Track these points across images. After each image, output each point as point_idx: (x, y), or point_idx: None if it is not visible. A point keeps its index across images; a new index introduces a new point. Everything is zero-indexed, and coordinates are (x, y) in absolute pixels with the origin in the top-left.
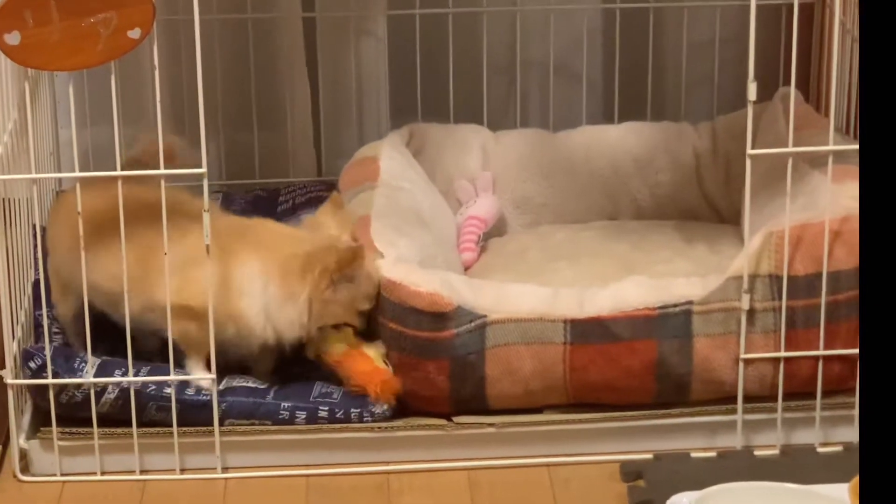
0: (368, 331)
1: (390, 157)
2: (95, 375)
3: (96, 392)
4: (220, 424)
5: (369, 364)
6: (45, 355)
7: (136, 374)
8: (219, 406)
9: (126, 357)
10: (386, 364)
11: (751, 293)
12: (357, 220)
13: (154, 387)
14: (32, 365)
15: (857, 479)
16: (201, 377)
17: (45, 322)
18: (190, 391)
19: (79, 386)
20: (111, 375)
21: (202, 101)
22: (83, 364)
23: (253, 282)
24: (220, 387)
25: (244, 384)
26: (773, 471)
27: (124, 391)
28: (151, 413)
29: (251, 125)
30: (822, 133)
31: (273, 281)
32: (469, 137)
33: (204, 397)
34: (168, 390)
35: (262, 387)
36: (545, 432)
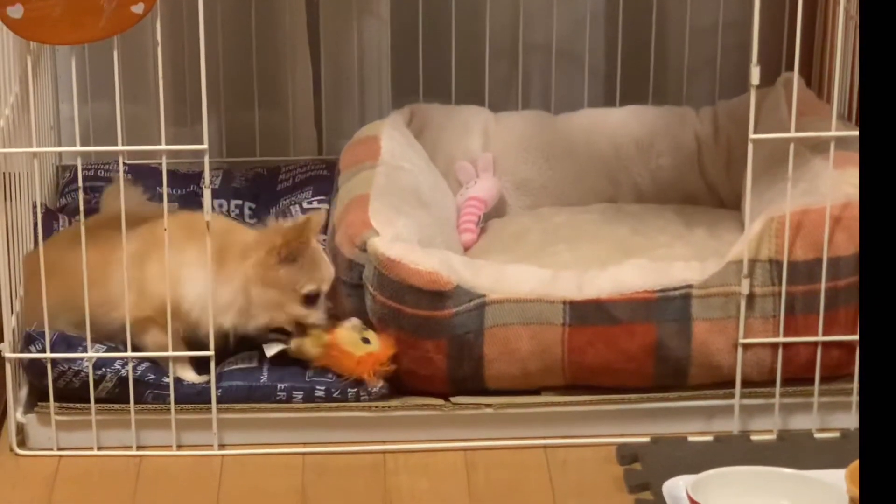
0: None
1: (391, 136)
2: (95, 363)
3: (94, 381)
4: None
5: (350, 359)
6: (45, 341)
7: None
8: (214, 392)
9: (124, 350)
10: (367, 341)
11: (750, 278)
12: (356, 198)
13: (152, 376)
14: (33, 349)
15: (854, 465)
16: (200, 354)
17: (45, 302)
18: (186, 383)
19: (77, 373)
20: (110, 365)
21: (204, 77)
22: (83, 350)
23: (188, 268)
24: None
25: (237, 366)
26: (770, 456)
27: (122, 380)
28: (148, 401)
29: (252, 103)
30: (823, 119)
31: (207, 265)
32: (470, 119)
33: (199, 386)
34: (165, 380)
35: (255, 366)
36: (542, 414)
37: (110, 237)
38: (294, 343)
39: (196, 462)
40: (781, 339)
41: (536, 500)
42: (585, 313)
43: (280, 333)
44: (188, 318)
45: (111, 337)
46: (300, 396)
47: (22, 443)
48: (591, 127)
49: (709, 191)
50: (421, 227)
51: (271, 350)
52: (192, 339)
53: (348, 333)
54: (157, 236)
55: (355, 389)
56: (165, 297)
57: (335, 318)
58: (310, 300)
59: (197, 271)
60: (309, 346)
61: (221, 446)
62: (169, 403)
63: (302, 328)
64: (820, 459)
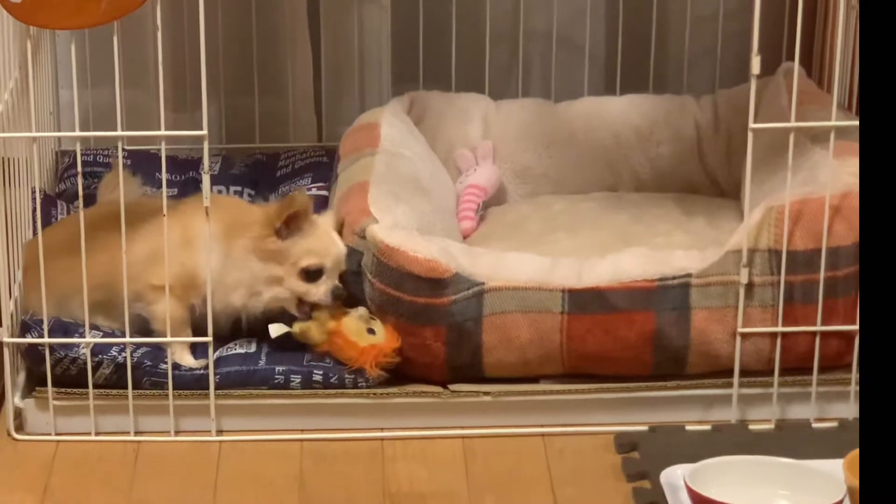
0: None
1: (391, 123)
2: (92, 349)
3: (91, 367)
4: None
5: (354, 348)
6: (43, 328)
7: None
8: (212, 378)
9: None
10: (372, 332)
11: (749, 267)
12: (355, 185)
13: (149, 362)
14: (30, 337)
15: (852, 454)
16: (198, 339)
17: (43, 287)
18: (184, 369)
19: (74, 360)
20: (107, 351)
21: (204, 63)
22: (80, 336)
23: (204, 239)
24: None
25: (235, 351)
26: (768, 445)
27: (119, 367)
28: (146, 388)
29: (252, 89)
30: (824, 108)
31: (218, 240)
32: (470, 106)
33: (197, 372)
34: (162, 367)
35: (253, 351)
36: (541, 402)
37: (135, 213)
38: (299, 326)
39: (194, 448)
40: (780, 329)
41: (534, 488)
42: (584, 301)
43: (288, 317)
44: (203, 292)
45: (124, 313)
46: (298, 381)
47: (20, 427)
48: (591, 115)
49: (708, 180)
50: (420, 215)
51: (275, 331)
52: (206, 316)
53: (354, 322)
54: (181, 212)
55: (353, 376)
56: (184, 266)
57: (345, 303)
58: (310, 276)
59: (216, 247)
60: (314, 330)
61: (219, 432)
62: (166, 389)
63: (307, 311)
64: (818, 449)
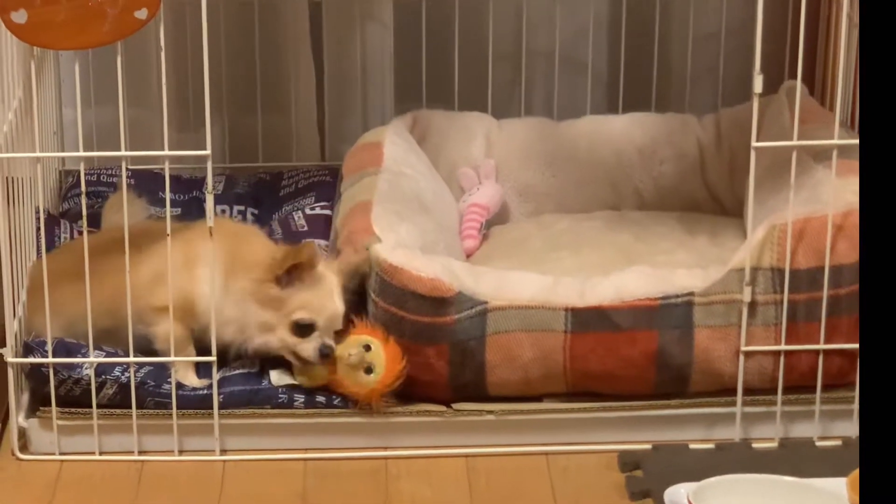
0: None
1: (394, 142)
2: (95, 369)
3: (95, 387)
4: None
5: (357, 395)
6: (46, 350)
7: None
8: (216, 397)
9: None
10: (369, 371)
11: (752, 286)
12: (358, 204)
13: (152, 382)
14: (33, 358)
15: (855, 473)
16: (202, 359)
17: (47, 306)
18: (187, 388)
19: (77, 381)
20: (111, 371)
21: (207, 83)
22: (84, 356)
23: (205, 268)
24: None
25: (238, 371)
26: (771, 464)
27: (123, 387)
28: (149, 407)
29: (255, 108)
30: (826, 127)
31: (220, 271)
32: (473, 125)
33: (200, 392)
34: (166, 387)
35: (256, 370)
36: (544, 420)
37: (141, 237)
38: (297, 378)
39: (198, 467)
40: (783, 347)
41: None
42: (587, 320)
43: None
44: (201, 320)
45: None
46: (301, 400)
47: (24, 447)
48: (593, 134)
49: (711, 198)
50: (423, 234)
51: (276, 379)
52: (205, 340)
53: (349, 371)
54: (186, 238)
55: None
56: (184, 292)
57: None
58: (301, 330)
59: (218, 276)
60: (309, 382)
61: (223, 451)
62: (169, 409)
63: (300, 358)
64: (821, 467)
